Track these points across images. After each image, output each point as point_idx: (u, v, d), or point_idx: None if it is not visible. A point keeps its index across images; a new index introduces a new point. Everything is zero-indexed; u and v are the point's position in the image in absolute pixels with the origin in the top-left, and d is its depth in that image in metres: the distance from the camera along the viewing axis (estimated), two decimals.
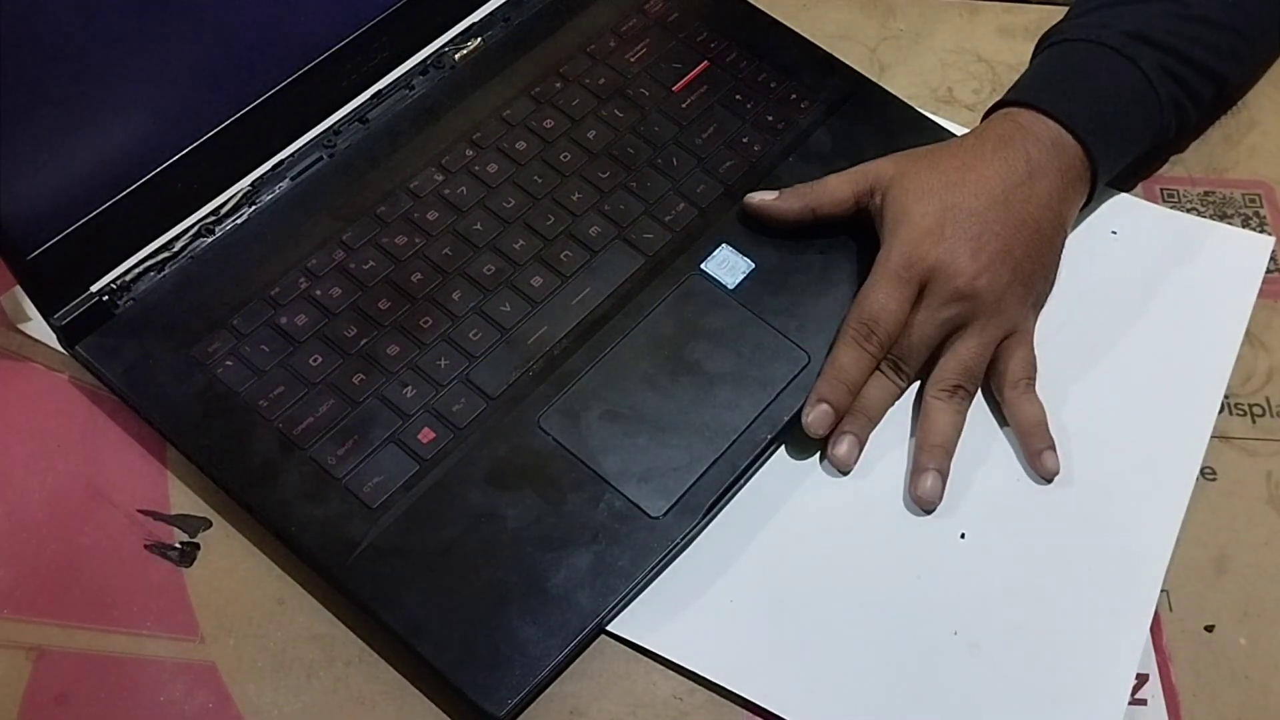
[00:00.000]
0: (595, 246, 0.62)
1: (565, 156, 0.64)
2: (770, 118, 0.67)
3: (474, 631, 0.51)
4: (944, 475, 0.56)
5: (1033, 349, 0.59)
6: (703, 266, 0.61)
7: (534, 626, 0.52)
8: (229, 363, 0.57)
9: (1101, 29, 0.62)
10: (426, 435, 0.56)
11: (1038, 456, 0.57)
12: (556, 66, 0.68)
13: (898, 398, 0.59)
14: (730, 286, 0.61)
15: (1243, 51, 0.66)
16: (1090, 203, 0.63)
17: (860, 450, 0.57)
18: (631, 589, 0.53)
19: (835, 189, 0.61)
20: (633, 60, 0.68)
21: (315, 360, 0.57)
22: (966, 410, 0.58)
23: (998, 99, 0.63)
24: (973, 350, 0.57)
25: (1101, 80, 0.62)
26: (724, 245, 0.62)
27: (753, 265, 0.61)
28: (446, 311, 0.59)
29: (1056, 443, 0.57)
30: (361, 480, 0.54)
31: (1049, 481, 0.57)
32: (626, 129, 0.66)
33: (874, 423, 0.58)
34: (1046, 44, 0.65)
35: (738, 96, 0.67)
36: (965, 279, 0.57)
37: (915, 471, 0.56)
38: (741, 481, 0.56)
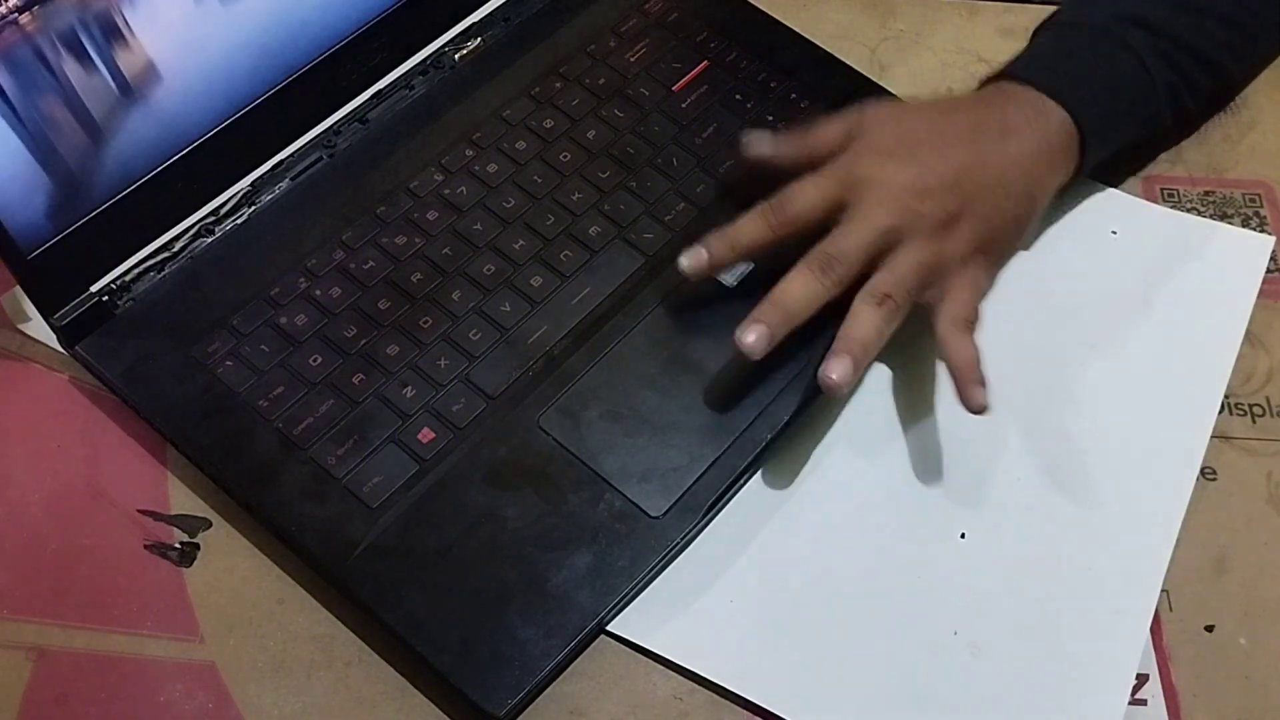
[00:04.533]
0: (595, 246, 0.62)
1: (565, 156, 0.64)
2: (770, 118, 0.67)
3: (474, 631, 0.51)
4: (858, 371, 0.54)
5: (978, 296, 0.57)
6: None
7: (534, 626, 0.52)
8: (229, 363, 0.57)
9: (1095, 11, 0.63)
10: (426, 435, 0.56)
11: (967, 389, 0.55)
12: (556, 66, 0.68)
13: (821, 302, 0.55)
14: (732, 284, 0.61)
15: (1243, 46, 0.65)
16: (1078, 176, 0.62)
17: (769, 345, 0.54)
18: (631, 589, 0.53)
19: (826, 130, 0.60)
20: (633, 60, 0.68)
21: (315, 360, 0.57)
22: (893, 324, 0.55)
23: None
24: (906, 265, 0.55)
25: (1094, 60, 0.61)
26: None
27: (752, 264, 0.61)
28: (446, 311, 0.59)
29: (1055, 443, 0.57)
30: (361, 480, 0.54)
31: (978, 415, 0.54)
32: (626, 129, 0.66)
33: (791, 319, 0.55)
34: (1039, 27, 0.65)
35: (738, 96, 0.67)
36: (905, 194, 0.56)
37: (829, 355, 0.54)
38: (741, 481, 0.56)
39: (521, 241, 0.62)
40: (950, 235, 0.57)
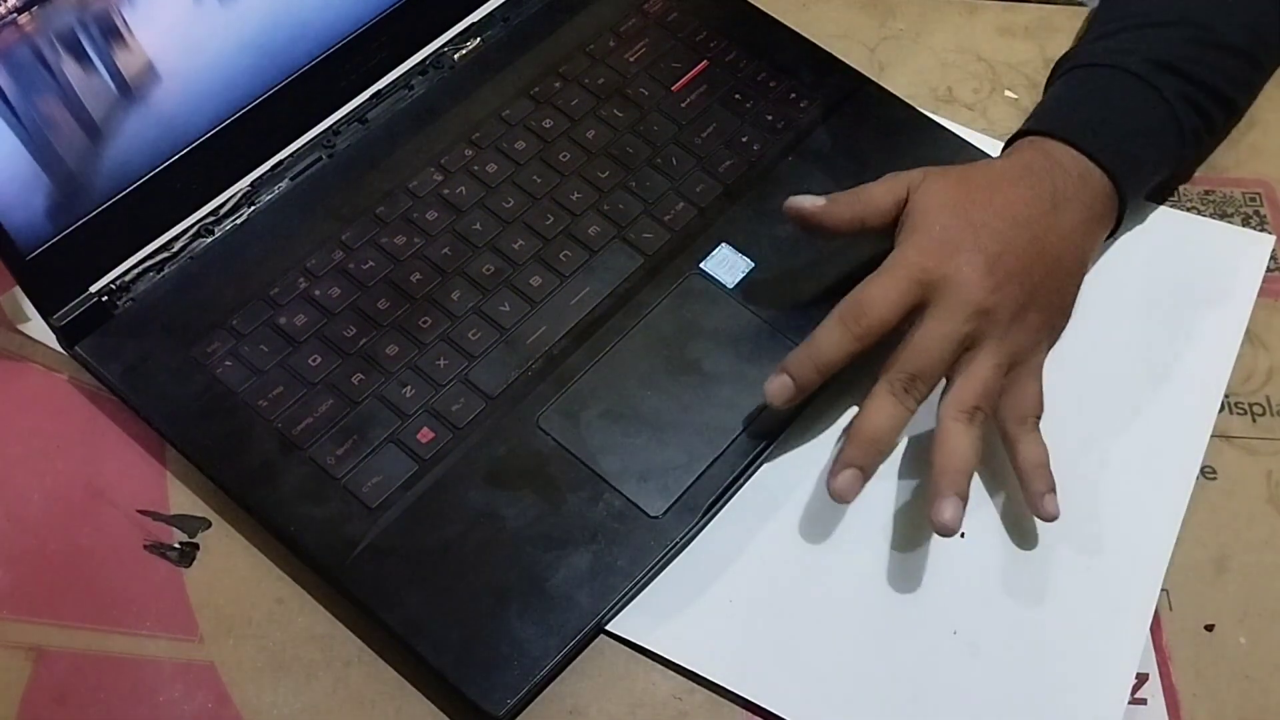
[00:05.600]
0: (594, 246, 0.62)
1: (564, 156, 0.64)
2: (770, 117, 0.67)
3: (473, 631, 0.51)
4: (964, 500, 0.52)
5: (1041, 384, 0.57)
6: (702, 266, 0.61)
7: (533, 626, 0.52)
8: (228, 363, 0.57)
9: (1125, 55, 0.61)
10: (425, 435, 0.56)
11: (1039, 500, 0.54)
12: (556, 66, 0.68)
13: (906, 423, 0.54)
14: (730, 286, 0.61)
15: (1257, 80, 0.66)
16: (1115, 235, 0.62)
17: (863, 484, 0.53)
18: (631, 588, 0.53)
19: (879, 199, 0.57)
20: (632, 60, 0.68)
21: (314, 360, 0.57)
22: (984, 434, 0.54)
23: (1022, 124, 0.62)
24: (989, 370, 0.54)
25: (1127, 110, 0.61)
26: (723, 245, 0.62)
27: (752, 264, 0.61)
28: (445, 311, 0.59)
29: (1055, 442, 0.57)
30: (360, 480, 0.54)
31: (1050, 522, 0.55)
32: (626, 128, 0.66)
33: (884, 454, 0.54)
34: (1067, 67, 0.64)
35: (737, 96, 0.67)
36: (981, 292, 0.54)
37: (935, 497, 0.52)
38: (741, 481, 0.56)
39: (521, 241, 0.61)
40: (1021, 327, 0.55)
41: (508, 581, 0.53)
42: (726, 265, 0.61)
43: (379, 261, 0.61)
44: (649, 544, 0.54)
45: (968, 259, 0.54)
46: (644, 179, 0.64)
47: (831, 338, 0.54)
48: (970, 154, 0.66)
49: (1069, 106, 0.62)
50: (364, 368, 0.57)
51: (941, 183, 0.57)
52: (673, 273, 0.61)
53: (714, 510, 0.56)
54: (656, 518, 0.54)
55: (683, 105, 0.67)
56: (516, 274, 0.60)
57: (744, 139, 0.66)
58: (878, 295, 0.54)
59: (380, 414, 0.56)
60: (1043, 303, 0.56)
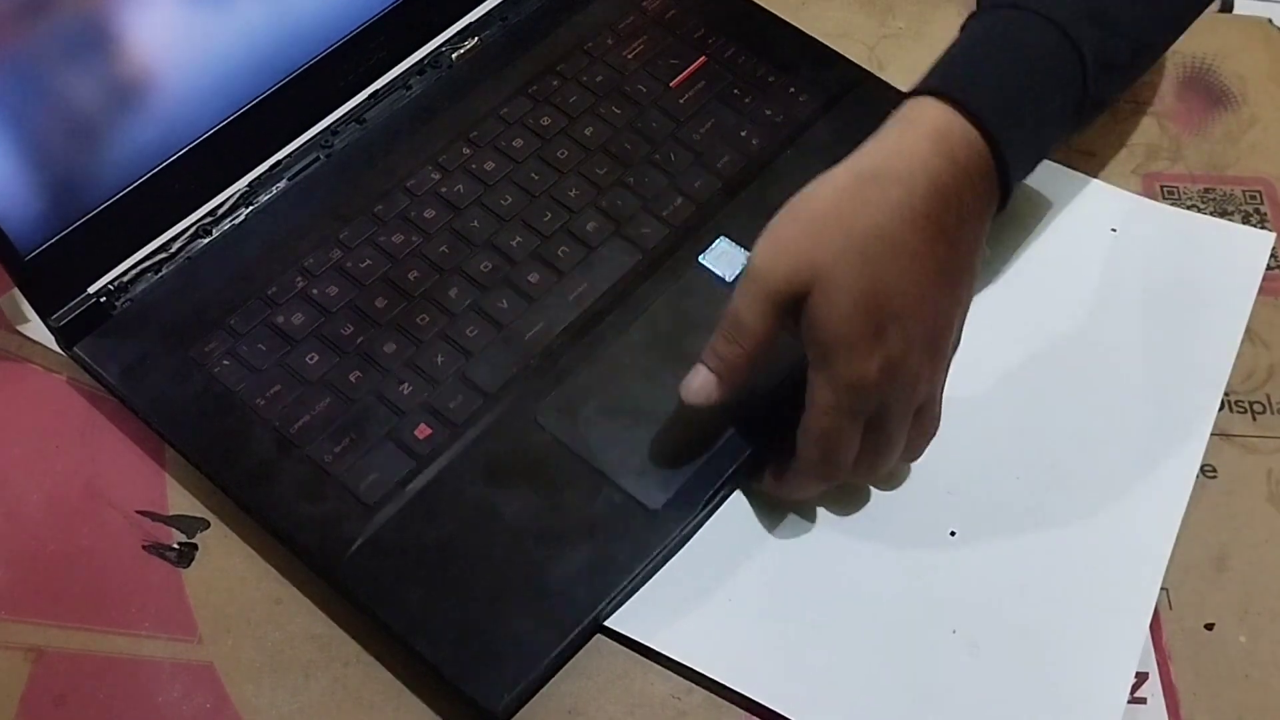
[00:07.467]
0: (592, 243, 0.61)
1: (562, 153, 0.64)
2: (768, 112, 0.66)
3: (470, 627, 0.51)
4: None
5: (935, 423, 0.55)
6: (701, 260, 0.61)
7: (531, 621, 0.52)
8: (226, 362, 0.57)
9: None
10: (423, 431, 0.56)
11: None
12: (554, 65, 0.68)
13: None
14: (729, 279, 0.60)
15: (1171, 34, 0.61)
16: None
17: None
18: (630, 582, 0.53)
19: (763, 334, 0.51)
20: (630, 57, 0.68)
21: (312, 358, 0.57)
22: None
23: (923, 80, 0.53)
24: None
25: (1038, 82, 0.53)
26: (722, 238, 0.62)
27: (749, 254, 0.61)
28: (443, 309, 0.59)
29: (1055, 440, 0.57)
30: (357, 477, 0.54)
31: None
32: (624, 125, 0.66)
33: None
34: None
35: (735, 91, 0.67)
36: (921, 388, 0.51)
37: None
38: (740, 474, 0.56)
39: (519, 238, 0.61)
40: (931, 376, 0.52)
41: (505, 577, 0.53)
42: (726, 258, 0.61)
43: (376, 260, 0.61)
44: (648, 538, 0.54)
45: (897, 364, 0.49)
46: (642, 175, 0.64)
47: (806, 486, 0.54)
48: None
49: (975, 70, 0.53)
50: (361, 365, 0.57)
51: (837, 274, 0.48)
52: (671, 267, 0.61)
53: (713, 503, 0.55)
54: (655, 511, 0.54)
55: (681, 101, 0.67)
56: (514, 271, 0.60)
57: (742, 134, 0.65)
58: (844, 440, 0.51)
59: (377, 411, 0.56)
60: (954, 342, 0.53)
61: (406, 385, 0.57)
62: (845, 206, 0.49)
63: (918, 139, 0.50)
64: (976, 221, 0.51)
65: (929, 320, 0.50)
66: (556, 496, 0.54)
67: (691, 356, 0.58)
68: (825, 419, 0.51)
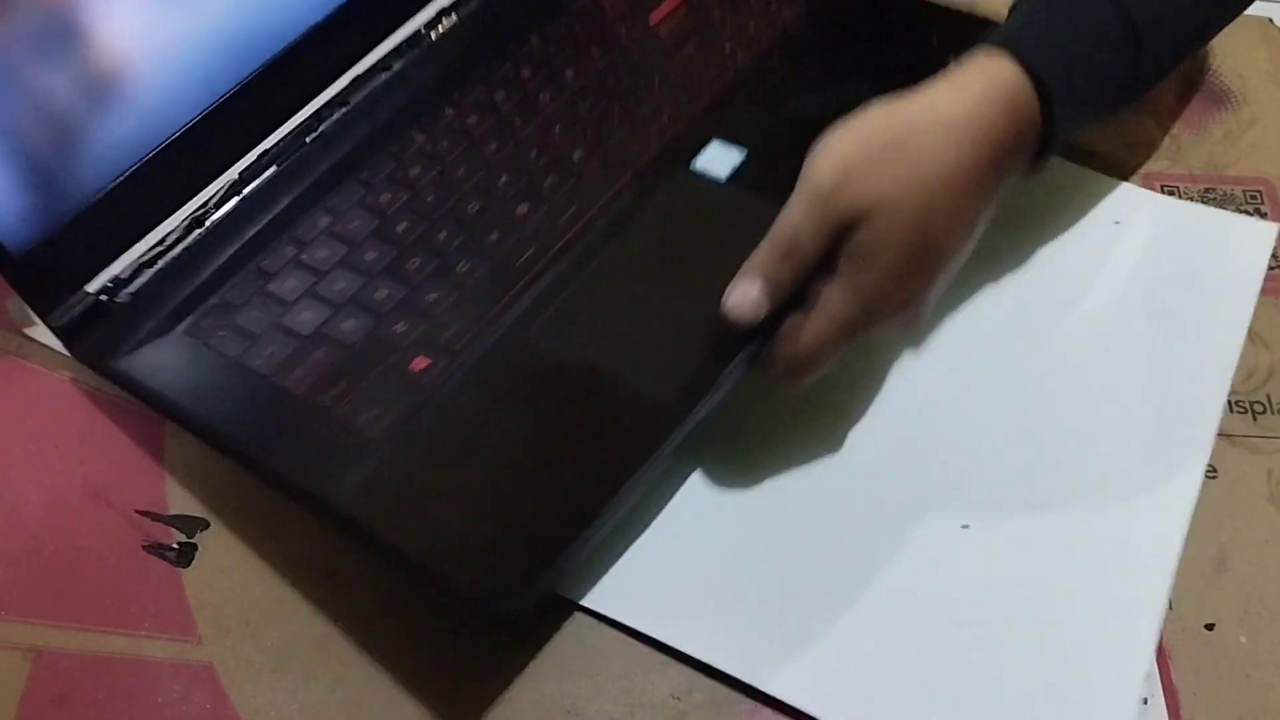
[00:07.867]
0: (578, 170, 0.62)
1: (545, 98, 0.65)
2: (751, 26, 0.67)
3: (479, 538, 0.50)
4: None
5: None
6: (694, 166, 0.61)
7: (540, 523, 0.50)
8: (222, 333, 0.58)
9: None
10: (420, 363, 0.56)
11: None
12: (534, 28, 0.69)
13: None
14: (723, 179, 0.60)
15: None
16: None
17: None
18: (637, 476, 0.51)
19: (812, 249, 0.52)
20: (609, 7, 0.69)
21: (305, 316, 0.58)
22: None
23: (994, 36, 0.55)
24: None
25: (1096, 57, 0.56)
26: (713, 141, 0.62)
27: (745, 154, 0.60)
28: (434, 251, 0.60)
29: (1059, 437, 0.57)
30: (358, 412, 0.54)
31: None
32: (605, 65, 0.66)
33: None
34: None
35: (716, 14, 0.68)
36: (905, 318, 0.53)
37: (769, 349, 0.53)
38: (744, 361, 0.54)
39: (505, 177, 0.62)
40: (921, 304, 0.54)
41: (513, 488, 0.52)
42: (718, 160, 0.61)
43: (364, 220, 0.61)
44: (654, 429, 0.52)
45: (909, 298, 0.53)
46: (627, 103, 0.64)
47: (789, 381, 0.54)
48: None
49: (1047, 32, 0.55)
50: (355, 314, 0.58)
51: (895, 202, 0.51)
52: (662, 178, 0.61)
53: (719, 390, 0.54)
54: (658, 403, 0.53)
55: (661, 36, 0.67)
56: (502, 207, 0.61)
57: (725, 50, 0.66)
58: (812, 347, 0.53)
59: (373, 351, 0.56)
60: (949, 280, 0.55)
61: (401, 324, 0.57)
62: (913, 142, 0.52)
63: (987, 92, 0.53)
64: (1009, 180, 0.55)
65: (952, 263, 0.54)
66: (556, 405, 0.54)
67: (690, 259, 0.57)
68: (836, 330, 0.52)
